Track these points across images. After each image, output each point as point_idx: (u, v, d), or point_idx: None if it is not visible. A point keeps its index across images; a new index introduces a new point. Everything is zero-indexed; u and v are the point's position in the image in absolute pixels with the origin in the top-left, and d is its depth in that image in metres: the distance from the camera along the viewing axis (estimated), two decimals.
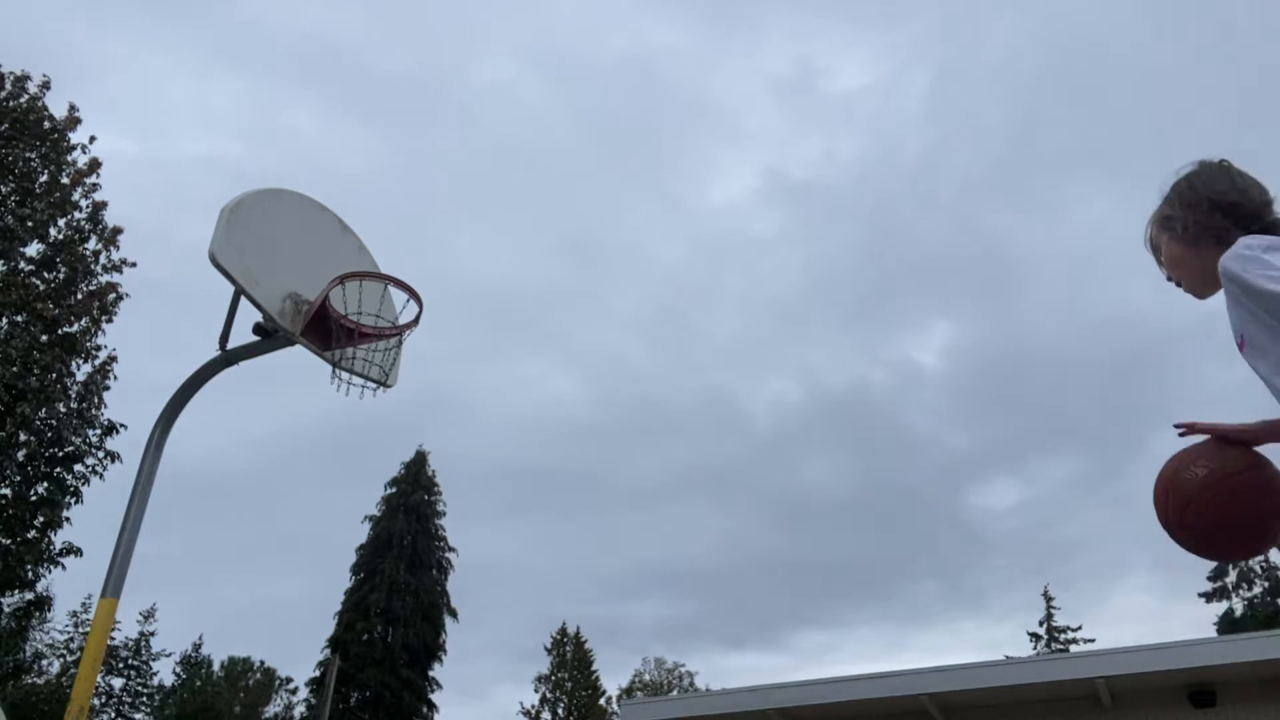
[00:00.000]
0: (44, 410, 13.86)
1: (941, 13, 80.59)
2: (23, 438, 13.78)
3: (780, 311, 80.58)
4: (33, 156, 14.85)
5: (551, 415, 70.11)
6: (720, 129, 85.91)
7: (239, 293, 4.70)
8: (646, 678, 49.51)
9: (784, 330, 79.76)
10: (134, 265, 15.54)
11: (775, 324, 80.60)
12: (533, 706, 44.29)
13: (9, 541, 13.59)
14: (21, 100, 15.01)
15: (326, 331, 5.03)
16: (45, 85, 15.39)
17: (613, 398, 73.98)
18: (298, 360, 5.04)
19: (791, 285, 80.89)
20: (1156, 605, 58.22)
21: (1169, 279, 2.15)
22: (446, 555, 36.80)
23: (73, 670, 34.63)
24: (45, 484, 14.15)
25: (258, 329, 4.84)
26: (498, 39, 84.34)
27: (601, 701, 45.11)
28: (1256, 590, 32.16)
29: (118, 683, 38.73)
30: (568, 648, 46.17)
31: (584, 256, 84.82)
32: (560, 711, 44.22)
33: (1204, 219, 1.98)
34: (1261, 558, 32.08)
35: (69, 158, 15.33)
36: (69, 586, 63.97)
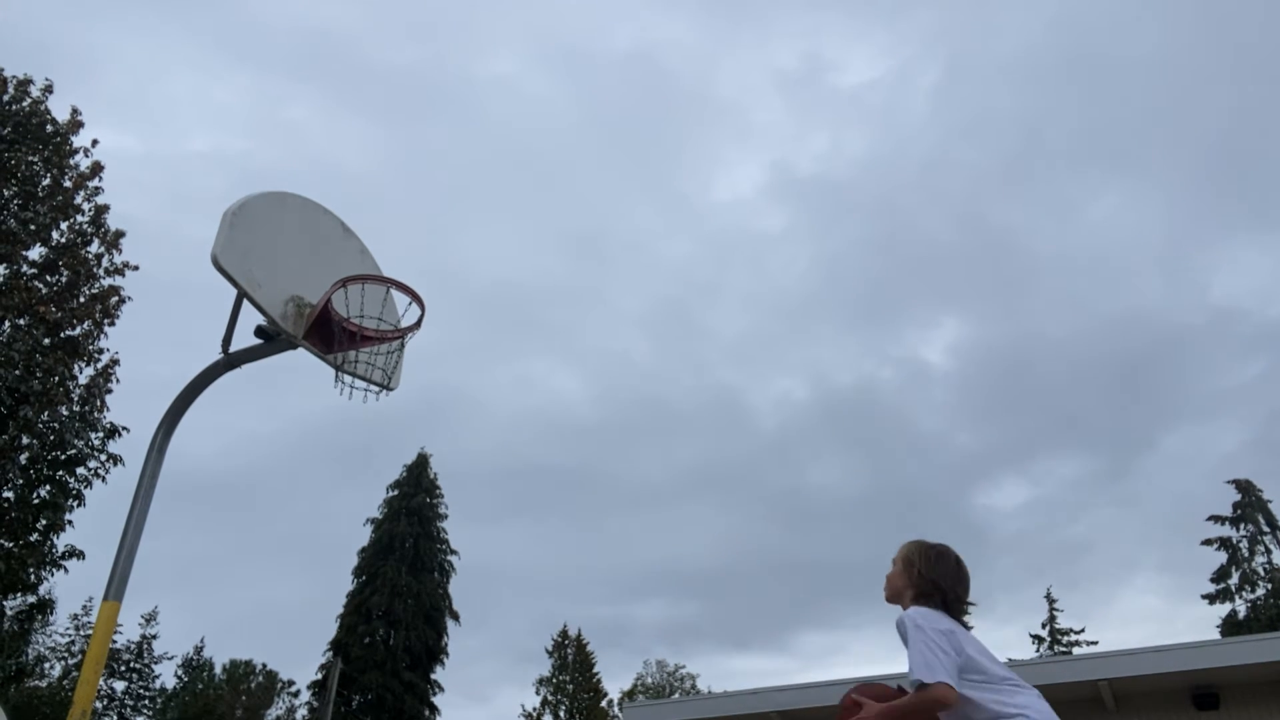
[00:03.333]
0: (46, 414, 13.88)
1: (950, 6, 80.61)
2: (25, 441, 13.80)
3: (787, 309, 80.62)
4: (35, 160, 14.87)
5: (555, 414, 70.11)
6: (727, 124, 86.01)
7: (241, 295, 4.69)
8: (648, 680, 49.46)
9: (790, 328, 79.79)
10: (136, 268, 15.59)
11: (782, 321, 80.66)
12: (534, 709, 44.27)
13: (11, 545, 13.60)
14: (24, 104, 15.04)
15: (329, 335, 5.02)
16: (48, 89, 15.44)
17: (617, 396, 74.04)
18: (300, 362, 5.04)
19: (798, 282, 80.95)
20: (1160, 607, 58.10)
21: (887, 577, 3.30)
22: (448, 558, 36.78)
23: (75, 673, 34.62)
24: (48, 487, 14.16)
25: (260, 332, 4.82)
26: (502, 33, 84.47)
27: (603, 704, 45.05)
28: (1260, 592, 32.08)
29: (120, 686, 38.75)
30: (569, 650, 46.13)
31: (588, 253, 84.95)
32: (562, 714, 44.17)
33: (922, 582, 3.11)
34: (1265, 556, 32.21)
35: (71, 161, 15.36)
36: (71, 589, 63.99)
